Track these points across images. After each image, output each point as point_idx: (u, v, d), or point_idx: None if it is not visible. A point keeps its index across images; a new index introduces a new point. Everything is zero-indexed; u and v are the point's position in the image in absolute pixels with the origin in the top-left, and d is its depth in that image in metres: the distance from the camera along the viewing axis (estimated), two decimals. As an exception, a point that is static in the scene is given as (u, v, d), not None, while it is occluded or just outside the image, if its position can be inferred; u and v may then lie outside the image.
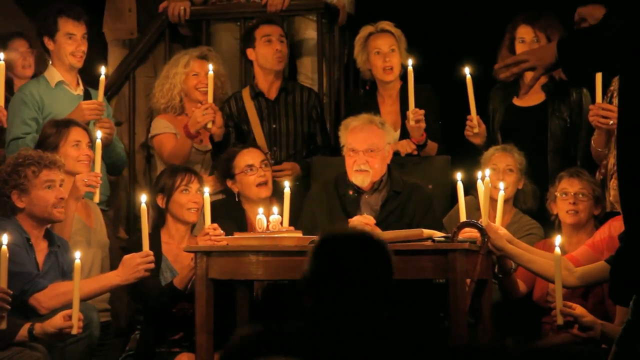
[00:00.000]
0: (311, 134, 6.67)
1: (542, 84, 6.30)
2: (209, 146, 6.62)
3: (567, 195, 5.66)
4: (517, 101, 6.37)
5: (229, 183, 6.04)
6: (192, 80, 6.62)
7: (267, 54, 6.61)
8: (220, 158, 6.26)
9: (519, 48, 6.28)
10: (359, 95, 6.69)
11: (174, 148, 6.45)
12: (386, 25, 6.51)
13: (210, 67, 6.29)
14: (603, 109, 5.68)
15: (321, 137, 6.69)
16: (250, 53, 6.68)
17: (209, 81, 6.23)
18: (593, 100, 5.79)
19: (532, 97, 6.33)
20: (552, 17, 6.29)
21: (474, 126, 6.16)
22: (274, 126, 6.63)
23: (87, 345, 5.13)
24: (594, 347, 4.81)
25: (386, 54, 6.44)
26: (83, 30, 6.35)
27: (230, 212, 5.92)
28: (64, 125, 5.84)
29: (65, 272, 5.31)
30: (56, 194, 5.29)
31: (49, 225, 5.37)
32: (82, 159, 5.80)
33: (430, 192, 6.03)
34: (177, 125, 6.61)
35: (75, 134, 5.82)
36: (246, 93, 6.69)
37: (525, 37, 6.27)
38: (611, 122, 5.65)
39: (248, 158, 6.04)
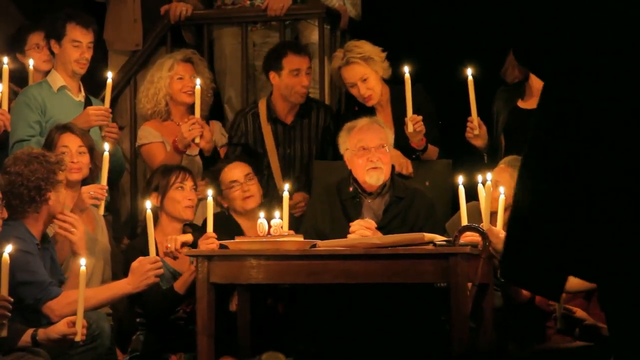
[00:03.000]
0: (324, 153, 6.65)
1: None
2: (196, 151, 6.61)
3: None
4: (522, 104, 6.36)
5: (219, 199, 6.02)
6: (177, 84, 6.59)
7: (292, 87, 6.52)
8: (207, 174, 6.23)
9: None
10: (352, 108, 6.62)
11: (164, 162, 6.43)
12: (350, 54, 6.34)
13: (198, 81, 6.26)
14: None
15: (332, 153, 6.64)
16: (273, 77, 6.58)
17: (196, 96, 6.19)
18: None
19: (537, 100, 6.31)
20: None
21: (475, 128, 6.15)
22: (288, 151, 6.61)
23: (98, 354, 5.14)
24: (595, 351, 4.81)
25: (360, 86, 6.34)
26: (90, 39, 6.34)
27: (225, 226, 5.89)
28: (56, 131, 5.82)
29: (54, 267, 5.32)
30: (65, 193, 5.35)
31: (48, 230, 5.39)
32: (69, 166, 5.70)
33: (427, 189, 6.05)
34: (163, 132, 6.59)
35: (64, 140, 5.79)
36: (263, 112, 6.61)
37: None
38: None
39: (231, 174, 6.01)
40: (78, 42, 6.30)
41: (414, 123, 6.06)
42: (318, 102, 6.82)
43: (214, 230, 5.46)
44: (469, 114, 6.11)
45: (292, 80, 6.53)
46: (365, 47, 6.37)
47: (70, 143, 5.80)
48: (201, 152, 6.50)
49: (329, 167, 6.35)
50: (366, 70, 6.33)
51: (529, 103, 6.34)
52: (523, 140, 6.20)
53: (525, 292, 5.57)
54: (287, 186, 5.57)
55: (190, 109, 6.48)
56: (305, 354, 5.51)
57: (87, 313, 5.09)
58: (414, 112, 6.07)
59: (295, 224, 5.69)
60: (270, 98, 6.67)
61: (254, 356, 5.45)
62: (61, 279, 5.33)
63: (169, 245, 5.48)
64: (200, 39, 7.24)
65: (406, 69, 6.05)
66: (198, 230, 5.78)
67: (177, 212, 5.78)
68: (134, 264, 5.25)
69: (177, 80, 6.60)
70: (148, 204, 5.31)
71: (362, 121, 5.87)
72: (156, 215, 5.76)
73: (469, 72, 5.91)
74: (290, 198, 6.17)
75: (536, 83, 6.34)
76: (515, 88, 6.39)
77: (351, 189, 5.81)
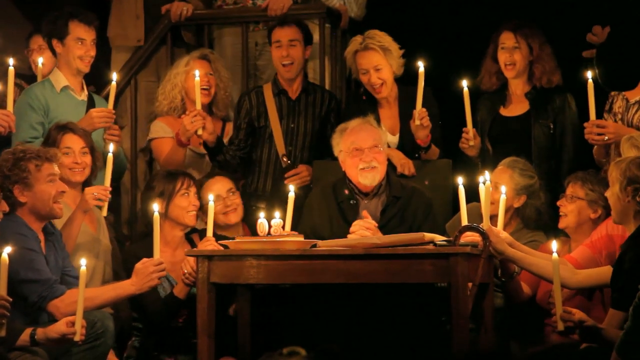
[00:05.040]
0: (326, 136, 6.65)
1: (526, 92, 6.31)
2: (201, 147, 6.61)
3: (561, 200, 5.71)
4: (503, 111, 6.39)
5: (199, 213, 5.99)
6: (192, 80, 6.61)
7: (275, 60, 6.60)
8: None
9: (500, 54, 6.30)
10: (360, 96, 6.64)
11: (168, 156, 6.44)
12: (370, 41, 6.36)
13: (197, 72, 6.27)
14: (597, 125, 5.70)
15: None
16: (271, 52, 6.66)
17: (196, 87, 6.22)
18: (587, 116, 5.81)
19: (517, 107, 6.36)
20: (535, 28, 6.31)
21: (470, 139, 6.17)
22: (292, 125, 6.62)
23: (101, 353, 5.15)
24: (595, 351, 4.80)
25: (372, 74, 6.36)
26: (93, 36, 6.34)
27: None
28: (59, 130, 5.83)
29: (59, 263, 5.31)
30: (57, 187, 5.27)
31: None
32: (72, 167, 5.76)
33: (426, 188, 6.05)
34: (176, 128, 6.60)
35: (67, 141, 5.80)
36: (268, 89, 6.65)
37: (506, 42, 6.29)
38: (606, 137, 5.69)
39: (214, 188, 6.01)
40: (82, 39, 6.30)
41: (420, 117, 6.07)
42: (325, 89, 6.85)
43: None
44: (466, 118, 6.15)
45: (275, 53, 6.59)
46: (386, 39, 6.39)
47: (74, 144, 5.81)
48: (205, 145, 6.51)
49: (329, 167, 6.35)
50: (382, 60, 6.35)
51: (509, 110, 6.38)
52: (507, 146, 6.29)
53: (527, 291, 5.57)
54: (292, 187, 5.56)
55: (207, 108, 6.50)
56: (326, 351, 5.50)
57: (92, 312, 5.10)
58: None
59: (294, 223, 5.67)
60: (276, 75, 6.69)
61: (254, 357, 5.45)
62: (68, 273, 5.30)
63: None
64: (200, 38, 7.24)
65: (420, 64, 6.07)
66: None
67: (181, 218, 5.80)
68: (138, 266, 5.25)
69: (192, 75, 6.60)
70: (155, 207, 5.28)
71: (355, 122, 5.87)
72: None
73: (465, 83, 5.93)
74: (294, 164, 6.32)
75: (515, 89, 6.37)
76: (497, 95, 6.40)
77: (347, 191, 5.80)
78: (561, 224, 5.69)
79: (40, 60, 6.61)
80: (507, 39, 6.29)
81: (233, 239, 5.40)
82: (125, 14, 7.23)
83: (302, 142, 6.62)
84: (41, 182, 5.23)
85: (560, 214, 5.70)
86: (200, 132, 6.28)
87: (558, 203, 5.72)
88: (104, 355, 5.18)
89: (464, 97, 5.97)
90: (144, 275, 5.22)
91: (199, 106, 6.25)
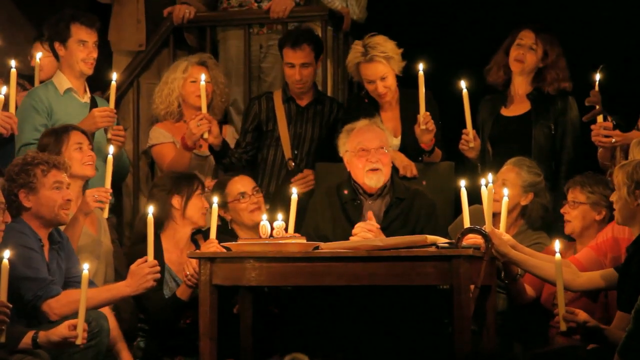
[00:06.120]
0: (332, 144, 6.65)
1: (528, 93, 6.31)
2: (208, 152, 6.62)
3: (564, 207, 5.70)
4: (504, 111, 6.40)
5: (221, 212, 6.01)
6: (190, 87, 6.62)
7: (288, 79, 6.62)
8: (214, 185, 6.25)
9: (514, 49, 6.29)
10: (361, 98, 6.64)
11: (173, 160, 6.45)
12: (373, 52, 6.33)
13: (203, 77, 6.29)
14: (605, 128, 5.69)
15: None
16: (283, 68, 6.68)
17: (201, 91, 6.24)
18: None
19: (518, 107, 6.37)
20: (556, 38, 6.30)
21: (470, 140, 6.17)
22: (299, 130, 6.63)
23: (97, 352, 5.13)
24: (598, 352, 4.80)
25: (378, 84, 6.36)
26: (95, 38, 6.36)
27: (225, 239, 5.90)
28: (63, 131, 5.85)
29: (63, 268, 5.31)
30: (63, 195, 5.28)
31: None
32: (87, 160, 5.81)
33: (424, 188, 6.06)
34: (175, 132, 6.62)
35: (76, 137, 5.83)
36: (278, 95, 6.68)
37: (524, 40, 6.28)
38: (613, 140, 5.67)
39: (240, 186, 6.04)
40: (84, 41, 6.31)
41: (425, 122, 6.07)
42: (334, 99, 6.86)
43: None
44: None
45: (288, 71, 6.61)
46: (387, 46, 6.38)
47: (82, 139, 5.84)
48: (211, 148, 6.51)
49: (332, 169, 6.36)
50: (386, 69, 6.36)
51: (510, 110, 6.39)
52: (506, 146, 6.29)
53: (531, 293, 5.56)
54: (295, 190, 5.56)
55: None
56: (330, 357, 5.51)
57: (86, 312, 5.10)
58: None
59: (297, 226, 5.68)
60: (286, 85, 6.72)
61: (262, 359, 5.46)
62: (74, 279, 5.28)
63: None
64: (202, 41, 7.25)
65: (420, 67, 6.06)
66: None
67: (196, 217, 5.82)
68: (133, 267, 5.26)
69: (190, 82, 6.63)
70: (150, 209, 5.29)
71: (362, 123, 5.89)
72: (161, 220, 5.77)
73: (463, 84, 5.93)
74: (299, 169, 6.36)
75: (518, 89, 6.37)
76: (499, 96, 6.41)
77: (346, 191, 5.81)
78: (567, 230, 5.67)
79: (38, 55, 6.61)
80: (526, 37, 6.28)
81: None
82: (126, 18, 7.24)
83: (308, 147, 6.63)
84: (46, 187, 5.25)
85: (565, 220, 5.68)
86: (206, 135, 6.29)
87: (562, 211, 5.69)
88: (100, 355, 5.17)
89: (463, 99, 5.97)
90: (139, 276, 5.22)
91: (204, 110, 6.26)
